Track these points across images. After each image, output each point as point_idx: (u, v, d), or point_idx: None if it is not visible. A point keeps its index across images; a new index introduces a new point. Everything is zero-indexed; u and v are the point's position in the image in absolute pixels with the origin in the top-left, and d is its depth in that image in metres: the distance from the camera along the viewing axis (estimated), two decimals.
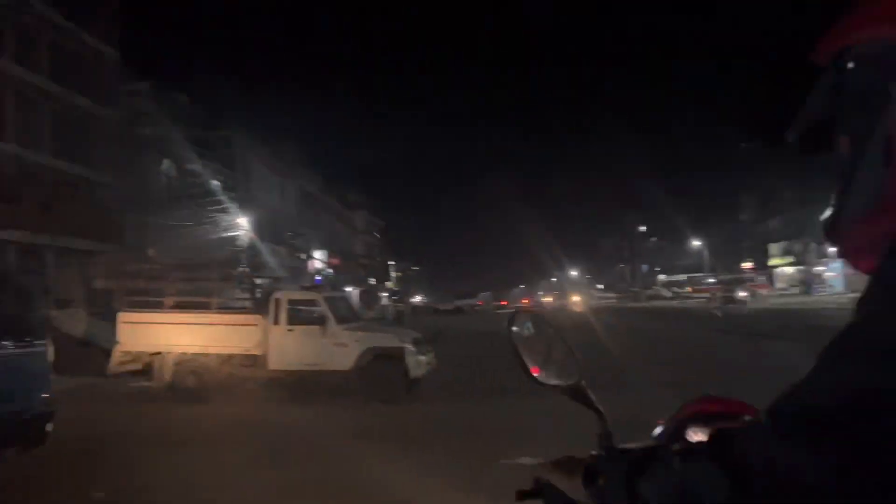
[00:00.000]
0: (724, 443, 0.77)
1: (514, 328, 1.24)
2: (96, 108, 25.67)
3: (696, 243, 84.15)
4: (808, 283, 71.94)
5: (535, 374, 1.20)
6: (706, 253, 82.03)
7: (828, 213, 0.84)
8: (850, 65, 0.76)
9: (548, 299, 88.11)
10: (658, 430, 1.10)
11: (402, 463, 6.52)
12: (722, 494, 0.72)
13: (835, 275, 51.18)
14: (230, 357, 11.55)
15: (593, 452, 1.07)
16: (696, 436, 0.99)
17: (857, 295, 0.69)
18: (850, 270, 0.79)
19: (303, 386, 11.51)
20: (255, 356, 11.50)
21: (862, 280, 0.72)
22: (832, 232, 0.83)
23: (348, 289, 43.35)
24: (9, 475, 5.82)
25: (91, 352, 12.63)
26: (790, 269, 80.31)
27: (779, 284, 79.91)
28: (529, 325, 1.25)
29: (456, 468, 6.23)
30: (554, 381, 1.18)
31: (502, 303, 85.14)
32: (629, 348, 16.04)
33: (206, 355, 11.45)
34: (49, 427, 6.07)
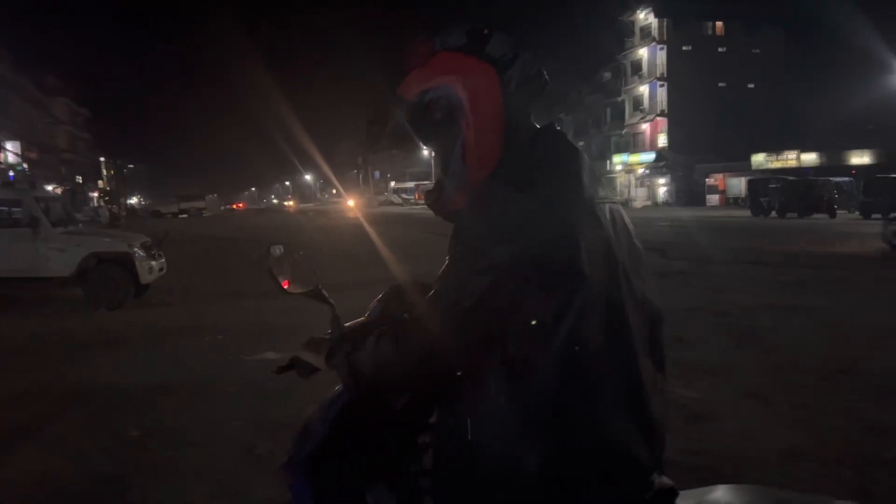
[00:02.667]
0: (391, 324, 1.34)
1: (269, 252, 1.55)
2: None
3: (424, 152, 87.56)
4: None
5: (285, 287, 1.53)
6: (433, 162, 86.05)
7: (433, 190, 1.42)
8: (431, 100, 1.32)
9: (290, 204, 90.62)
10: (372, 307, 1.61)
11: (141, 364, 6.49)
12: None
13: None
14: None
15: (328, 333, 1.51)
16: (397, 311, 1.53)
17: None
18: None
19: (9, 294, 10.45)
20: None
21: None
22: (437, 203, 1.39)
23: (49, 187, 38.46)
24: None
25: None
26: None
27: None
28: (279, 248, 1.57)
29: (202, 364, 6.40)
30: (299, 290, 1.53)
31: (240, 205, 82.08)
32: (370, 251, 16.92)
33: None
34: None
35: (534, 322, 1.16)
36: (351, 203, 66.71)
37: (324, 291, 1.52)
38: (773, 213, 34.82)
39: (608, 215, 1.30)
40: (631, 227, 1.40)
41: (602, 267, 1.22)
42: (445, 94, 1.30)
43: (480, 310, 1.17)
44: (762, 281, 10.86)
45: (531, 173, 1.25)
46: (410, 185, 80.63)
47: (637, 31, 61.51)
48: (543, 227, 1.18)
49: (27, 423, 4.88)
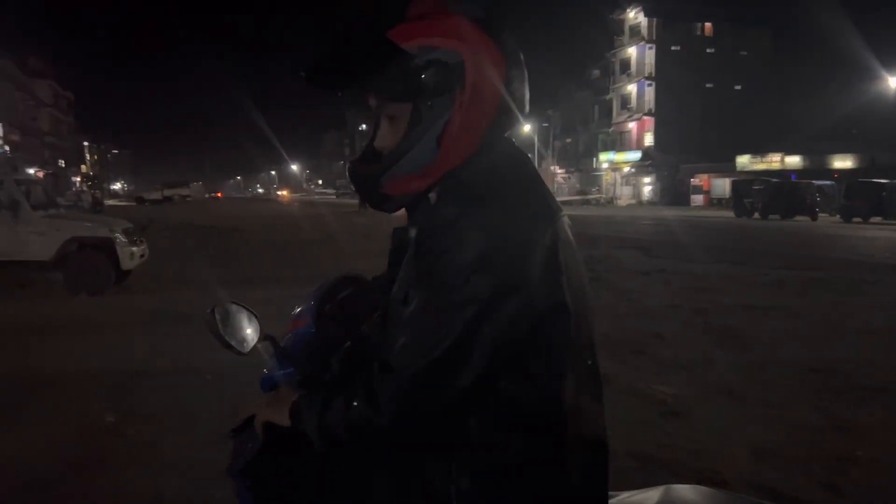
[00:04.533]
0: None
1: (212, 318, 1.36)
2: None
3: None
4: None
5: (240, 351, 1.38)
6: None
7: (363, 159, 1.25)
8: (429, 60, 1.12)
9: (283, 193, 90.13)
10: (305, 308, 1.46)
11: (119, 350, 6.45)
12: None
13: None
14: None
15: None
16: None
17: None
18: None
19: None
20: None
21: None
22: (369, 180, 1.22)
23: (30, 171, 37.98)
24: None
25: None
26: None
27: None
28: (218, 313, 1.37)
29: (180, 351, 6.36)
30: (250, 346, 1.39)
31: (217, 195, 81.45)
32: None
33: None
34: None
35: (520, 361, 1.09)
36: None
37: (273, 336, 1.41)
38: (756, 215, 35.11)
39: (568, 231, 1.20)
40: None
41: (579, 296, 1.15)
42: (450, 61, 1.13)
43: (462, 352, 1.05)
44: (742, 280, 10.96)
45: (499, 184, 1.14)
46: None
47: (627, 29, 61.66)
48: (524, 255, 1.07)
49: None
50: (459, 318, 1.03)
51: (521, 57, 1.21)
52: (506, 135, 1.22)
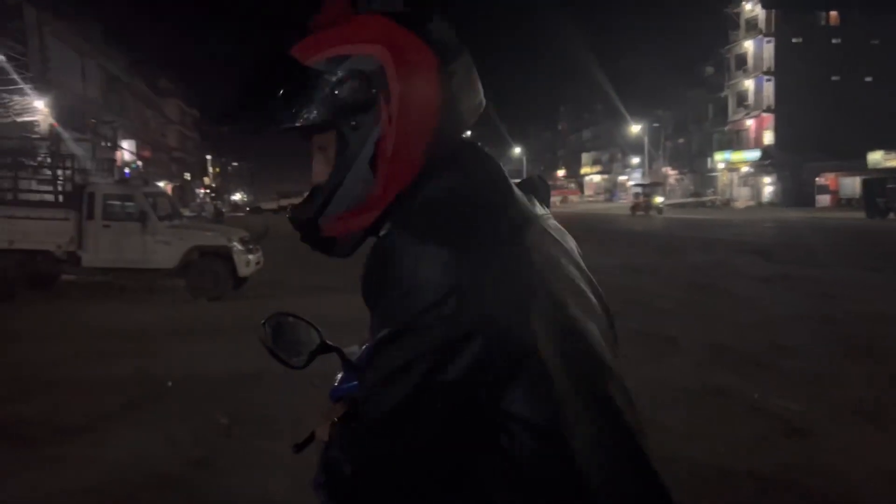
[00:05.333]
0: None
1: (264, 331, 1.34)
2: None
3: (516, 150, 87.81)
4: (611, 190, 78.26)
5: (294, 364, 1.33)
6: (525, 159, 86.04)
7: (305, 203, 1.06)
8: (341, 74, 0.94)
9: None
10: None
11: (233, 354, 6.74)
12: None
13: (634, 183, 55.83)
14: (39, 254, 10.82)
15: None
16: None
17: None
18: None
19: (119, 284, 11.18)
20: (67, 253, 10.87)
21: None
22: (309, 224, 1.04)
23: (160, 184, 40.78)
24: None
25: None
26: (598, 178, 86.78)
27: (587, 192, 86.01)
28: (270, 326, 1.35)
29: None
30: (305, 360, 1.34)
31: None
32: None
33: (10, 252, 10.60)
34: None
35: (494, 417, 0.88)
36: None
37: (328, 342, 1.36)
38: (892, 215, 32.46)
39: (549, 243, 1.00)
40: (573, 243, 1.09)
41: (567, 327, 0.93)
42: (366, 69, 0.93)
43: (410, 412, 0.88)
44: (876, 287, 10.11)
45: (458, 207, 0.93)
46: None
47: (742, 23, 58.78)
48: (485, 289, 0.87)
49: (125, 406, 5.16)
50: (401, 375, 0.87)
51: (460, 46, 1.00)
52: (463, 138, 1.02)
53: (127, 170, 35.08)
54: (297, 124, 0.96)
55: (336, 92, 0.94)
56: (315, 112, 0.94)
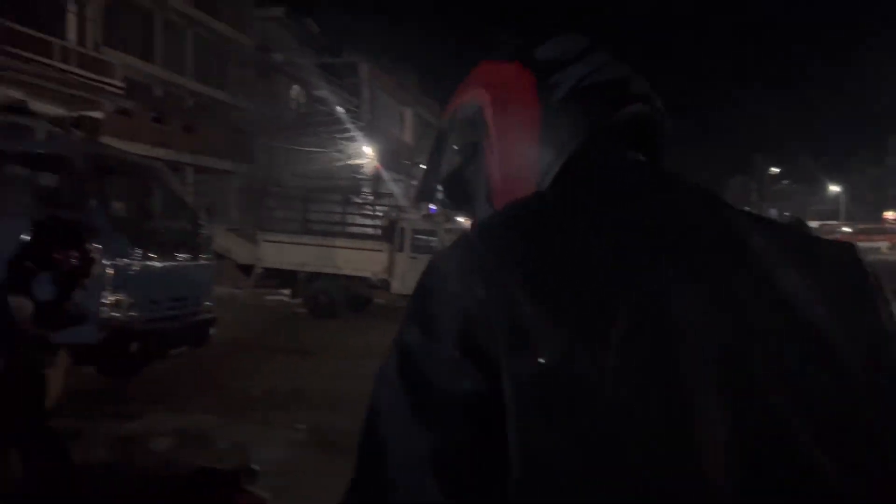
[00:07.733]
0: None
1: None
2: (232, 33, 26.90)
3: (833, 189, 78.82)
4: None
5: None
6: (844, 199, 76.60)
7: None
8: (456, 121, 0.95)
9: None
10: None
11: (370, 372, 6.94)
12: None
13: None
14: (358, 279, 12.37)
15: None
16: None
17: None
18: None
19: None
20: (380, 280, 12.27)
21: None
22: None
23: (460, 219, 43.94)
24: (183, 369, 6.74)
25: (226, 264, 13.81)
26: None
27: None
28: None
29: None
30: None
31: None
32: None
33: (337, 276, 12.28)
34: (212, 331, 6.92)
35: None
36: None
37: None
38: None
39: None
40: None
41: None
42: (471, 113, 0.92)
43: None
44: None
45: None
46: (814, 224, 72.75)
47: None
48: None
49: None
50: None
51: (583, 54, 0.87)
52: (616, 154, 0.84)
53: (433, 206, 38.56)
54: (440, 189, 0.99)
55: (455, 147, 0.96)
56: (444, 168, 0.97)
